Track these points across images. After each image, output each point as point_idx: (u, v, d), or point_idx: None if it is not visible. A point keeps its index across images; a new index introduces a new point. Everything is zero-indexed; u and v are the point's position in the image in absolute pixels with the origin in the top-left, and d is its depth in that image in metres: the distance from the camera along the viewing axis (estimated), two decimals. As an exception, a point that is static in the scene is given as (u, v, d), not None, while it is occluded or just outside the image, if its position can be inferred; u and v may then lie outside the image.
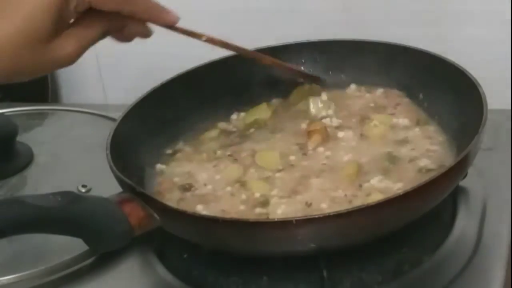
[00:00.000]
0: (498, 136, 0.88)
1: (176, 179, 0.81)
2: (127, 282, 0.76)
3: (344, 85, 0.92)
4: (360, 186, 0.75)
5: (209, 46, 0.97)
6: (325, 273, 0.70)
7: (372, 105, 0.88)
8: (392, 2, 1.01)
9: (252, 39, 0.95)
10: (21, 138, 0.97)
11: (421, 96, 0.86)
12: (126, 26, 0.72)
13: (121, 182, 0.74)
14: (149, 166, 0.83)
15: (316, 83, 0.91)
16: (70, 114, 1.06)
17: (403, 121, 0.84)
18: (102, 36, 0.71)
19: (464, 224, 0.76)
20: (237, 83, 0.92)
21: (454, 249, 0.73)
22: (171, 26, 0.76)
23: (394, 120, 0.84)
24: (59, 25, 0.66)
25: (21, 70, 0.65)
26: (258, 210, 0.74)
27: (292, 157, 0.81)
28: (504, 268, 0.71)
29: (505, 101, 0.96)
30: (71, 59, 0.67)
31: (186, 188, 0.79)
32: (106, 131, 0.80)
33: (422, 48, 0.86)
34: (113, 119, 0.84)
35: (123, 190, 0.74)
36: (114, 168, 0.74)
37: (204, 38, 0.81)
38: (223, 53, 0.92)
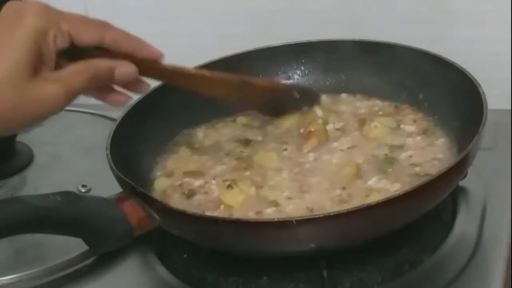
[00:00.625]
0: (498, 136, 0.88)
1: (176, 181, 0.81)
2: (127, 282, 0.76)
3: (343, 86, 0.92)
4: (358, 186, 0.75)
5: (209, 47, 0.98)
6: (325, 273, 0.70)
7: (375, 109, 0.88)
8: (392, 2, 1.01)
9: (252, 39, 0.95)
10: (21, 138, 0.97)
11: (421, 96, 0.86)
12: (115, 71, 0.69)
13: (121, 182, 0.74)
14: (149, 165, 0.83)
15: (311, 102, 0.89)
16: (70, 114, 1.05)
17: (409, 128, 0.84)
18: (90, 83, 0.67)
19: (464, 224, 0.76)
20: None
21: (454, 249, 0.73)
22: (156, 62, 0.73)
23: (401, 126, 0.84)
24: (39, 59, 0.64)
25: (4, 109, 0.62)
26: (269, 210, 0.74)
27: (289, 159, 0.81)
28: (504, 268, 0.71)
29: (505, 101, 0.96)
30: (57, 104, 0.64)
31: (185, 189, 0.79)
32: (106, 131, 0.80)
33: (422, 48, 0.86)
34: (113, 119, 0.84)
35: (123, 190, 0.75)
36: (114, 168, 0.74)
37: (192, 71, 0.79)
38: (223, 53, 0.92)
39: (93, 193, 0.85)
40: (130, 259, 0.77)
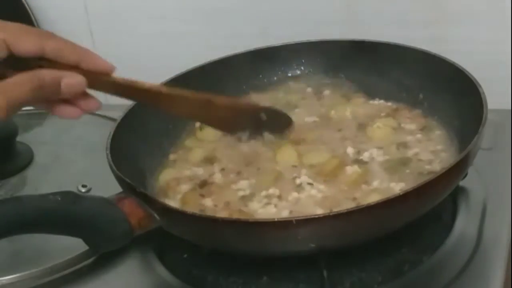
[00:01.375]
0: (498, 136, 0.88)
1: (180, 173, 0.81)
2: (127, 282, 0.76)
3: (343, 86, 0.92)
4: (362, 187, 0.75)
5: (209, 47, 0.98)
6: (325, 273, 0.70)
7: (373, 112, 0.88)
8: (392, 2, 1.01)
9: (252, 39, 0.95)
10: (21, 138, 0.97)
11: (421, 96, 0.86)
12: (61, 82, 0.66)
13: (121, 182, 0.74)
14: (149, 166, 0.83)
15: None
16: (70, 114, 1.06)
17: (409, 126, 0.84)
18: (34, 94, 0.64)
19: (464, 224, 0.76)
20: (237, 83, 0.92)
21: (454, 249, 0.73)
22: (107, 75, 0.69)
23: (402, 124, 0.84)
24: None
25: None
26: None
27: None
28: (504, 268, 0.71)
29: (505, 101, 0.96)
30: None
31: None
32: (106, 131, 0.80)
33: (422, 48, 0.86)
34: (113, 119, 0.84)
35: (123, 190, 0.75)
36: (114, 168, 0.74)
37: (146, 86, 0.72)
38: (223, 53, 0.92)
39: (93, 193, 0.85)
40: (130, 259, 0.77)
